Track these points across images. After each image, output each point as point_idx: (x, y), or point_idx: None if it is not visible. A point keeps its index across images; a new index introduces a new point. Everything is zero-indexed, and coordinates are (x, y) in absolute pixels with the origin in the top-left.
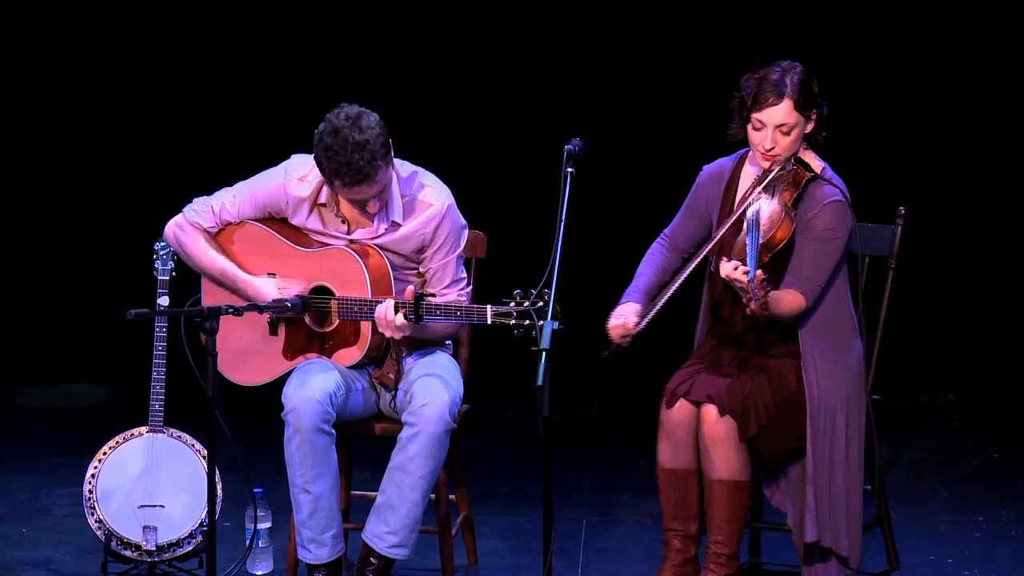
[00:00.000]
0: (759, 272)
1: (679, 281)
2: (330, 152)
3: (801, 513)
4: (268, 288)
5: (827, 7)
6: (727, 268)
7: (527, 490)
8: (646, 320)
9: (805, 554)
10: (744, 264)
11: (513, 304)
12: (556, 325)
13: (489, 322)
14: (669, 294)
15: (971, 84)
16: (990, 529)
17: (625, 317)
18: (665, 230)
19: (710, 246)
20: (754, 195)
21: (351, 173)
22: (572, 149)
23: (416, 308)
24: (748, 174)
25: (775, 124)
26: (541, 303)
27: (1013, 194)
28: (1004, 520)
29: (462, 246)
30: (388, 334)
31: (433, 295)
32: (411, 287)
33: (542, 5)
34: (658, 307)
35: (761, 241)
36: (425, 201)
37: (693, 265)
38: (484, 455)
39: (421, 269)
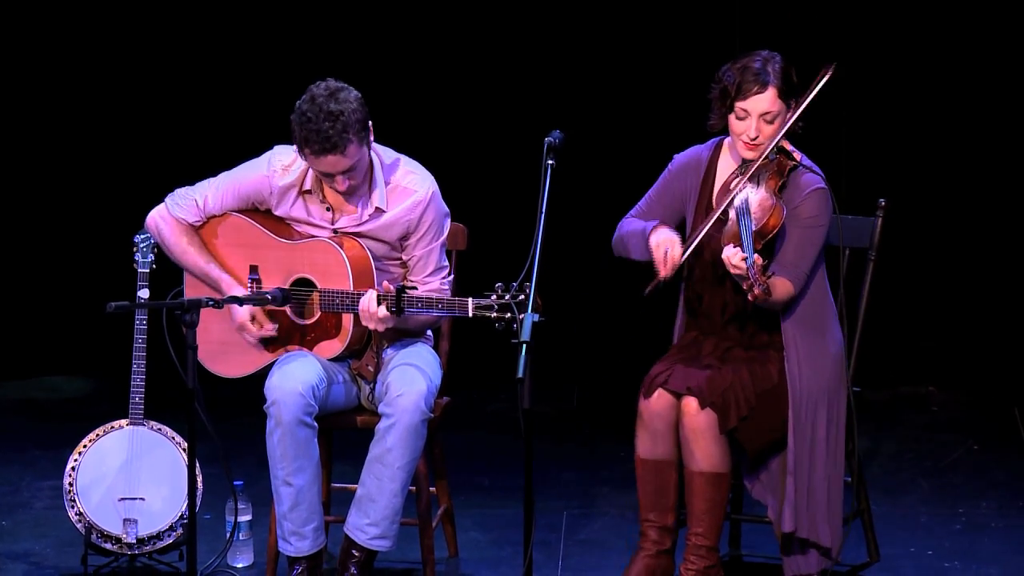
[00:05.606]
0: (757, 257)
1: (705, 227)
2: (303, 119)
3: (781, 504)
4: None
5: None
6: (728, 253)
7: (508, 482)
8: (689, 250)
9: (785, 545)
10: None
11: (494, 297)
12: (537, 318)
13: (470, 315)
14: (703, 232)
15: (951, 77)
16: (970, 521)
17: (668, 246)
18: (631, 212)
19: (697, 240)
20: (739, 184)
21: (320, 141)
22: (552, 141)
23: (398, 301)
24: (726, 164)
25: (759, 113)
26: (522, 296)
27: (993, 186)
28: (984, 512)
29: (445, 234)
30: (371, 326)
31: (415, 287)
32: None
33: None
34: (698, 239)
35: (754, 229)
36: (409, 187)
37: (714, 217)
38: (465, 447)
39: (404, 257)
